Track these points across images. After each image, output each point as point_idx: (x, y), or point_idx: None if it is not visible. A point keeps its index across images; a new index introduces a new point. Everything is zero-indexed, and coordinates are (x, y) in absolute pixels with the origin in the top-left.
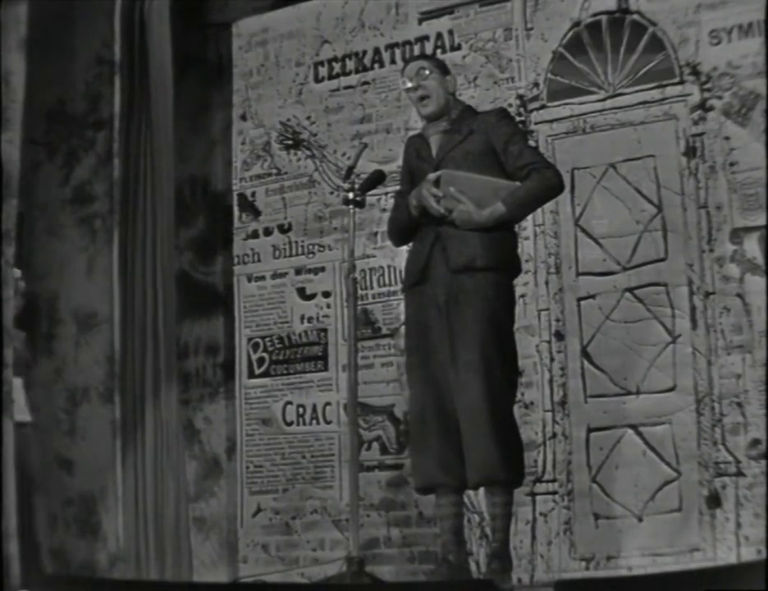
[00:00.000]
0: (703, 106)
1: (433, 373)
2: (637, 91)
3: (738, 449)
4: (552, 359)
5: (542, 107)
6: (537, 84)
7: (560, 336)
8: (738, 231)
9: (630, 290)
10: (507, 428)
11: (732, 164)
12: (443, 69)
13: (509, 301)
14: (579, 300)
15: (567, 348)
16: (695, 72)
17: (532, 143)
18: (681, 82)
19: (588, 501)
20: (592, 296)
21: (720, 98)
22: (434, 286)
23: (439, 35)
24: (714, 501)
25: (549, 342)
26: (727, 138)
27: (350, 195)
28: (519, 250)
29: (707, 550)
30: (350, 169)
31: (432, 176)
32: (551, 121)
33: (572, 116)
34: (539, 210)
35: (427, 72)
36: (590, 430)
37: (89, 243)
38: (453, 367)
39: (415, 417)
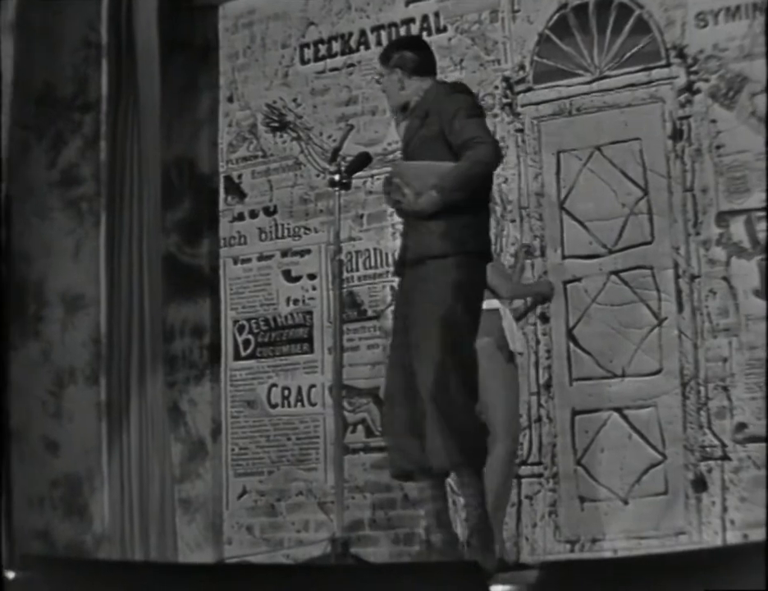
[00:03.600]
0: (690, 89)
1: (401, 358)
2: (623, 74)
3: (724, 433)
4: (538, 342)
5: (528, 89)
6: (523, 67)
7: (545, 318)
8: (724, 215)
9: (616, 273)
10: (459, 413)
11: (718, 147)
12: (390, 64)
13: (471, 287)
14: (565, 282)
15: (552, 331)
16: (681, 55)
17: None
18: (667, 65)
19: (573, 484)
20: (578, 279)
21: (706, 80)
22: (405, 275)
23: (425, 17)
24: (700, 484)
25: (534, 325)
26: (714, 121)
27: (336, 177)
28: (505, 233)
29: (693, 533)
30: (336, 151)
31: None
32: (537, 104)
33: (559, 98)
34: (524, 193)
35: (383, 76)
36: (575, 413)
37: (77, 225)
38: (415, 353)
39: (384, 402)
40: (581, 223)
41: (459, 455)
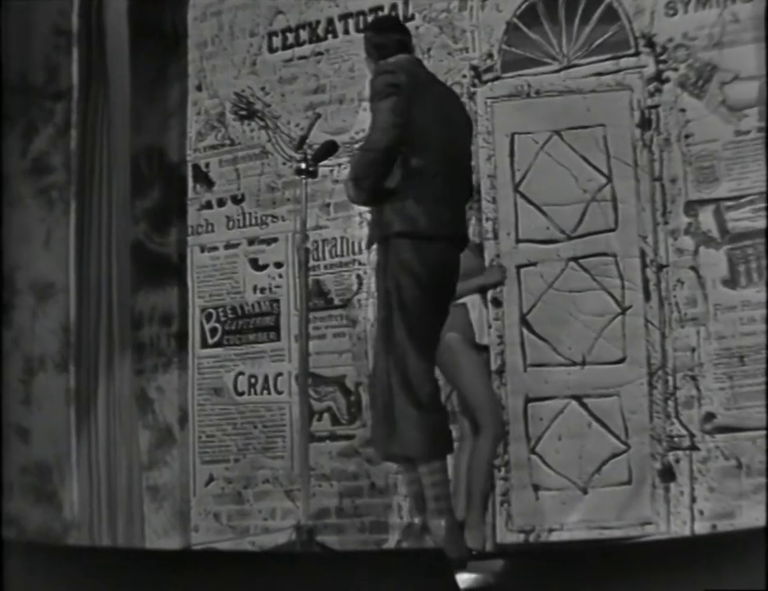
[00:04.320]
0: (659, 77)
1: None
2: (591, 62)
3: (692, 422)
4: (490, 327)
5: (496, 78)
6: (491, 55)
7: (497, 303)
8: (692, 204)
9: (575, 259)
10: (395, 400)
11: (687, 136)
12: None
13: (404, 269)
14: (519, 267)
15: (505, 316)
16: (650, 44)
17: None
18: (636, 54)
19: (527, 472)
20: (533, 264)
21: (675, 69)
22: None
23: (393, 6)
24: (667, 474)
25: (486, 310)
26: (682, 110)
27: (302, 166)
28: None
29: (660, 523)
30: (303, 139)
31: None
32: (491, 80)
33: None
34: (476, 175)
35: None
36: (528, 400)
37: (47, 214)
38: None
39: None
40: (537, 207)
41: (422, 443)
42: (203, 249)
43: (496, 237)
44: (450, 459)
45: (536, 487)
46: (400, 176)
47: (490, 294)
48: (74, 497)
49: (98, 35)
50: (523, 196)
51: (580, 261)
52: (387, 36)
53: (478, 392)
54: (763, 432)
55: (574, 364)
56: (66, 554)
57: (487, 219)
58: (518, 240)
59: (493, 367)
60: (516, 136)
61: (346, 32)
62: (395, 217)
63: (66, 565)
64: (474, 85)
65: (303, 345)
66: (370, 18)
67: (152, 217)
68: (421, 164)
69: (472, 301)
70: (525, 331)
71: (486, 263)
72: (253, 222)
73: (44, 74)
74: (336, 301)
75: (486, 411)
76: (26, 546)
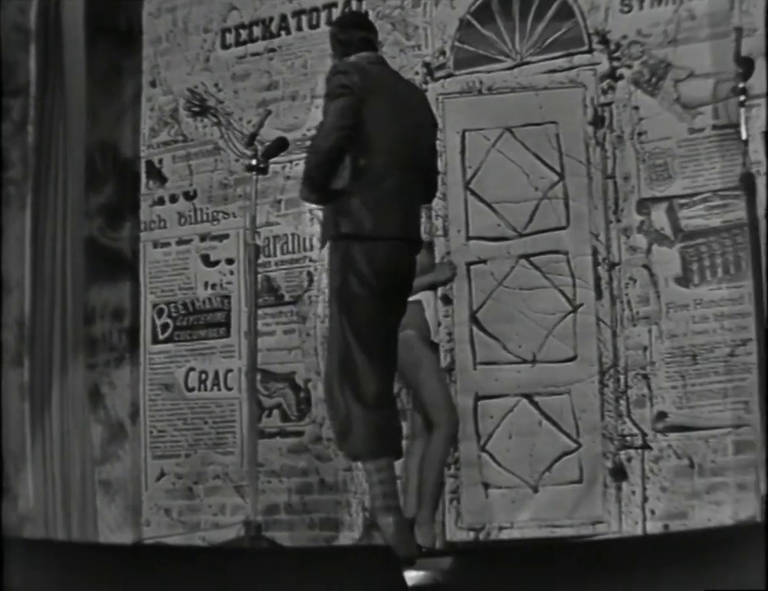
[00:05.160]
0: (612, 75)
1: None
2: (544, 59)
3: (643, 421)
4: (439, 324)
5: (449, 75)
6: (443, 52)
7: (447, 300)
8: (645, 202)
9: (526, 256)
10: (341, 398)
11: (640, 134)
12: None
13: (364, 269)
14: (469, 264)
15: (455, 313)
16: (604, 41)
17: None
18: (590, 51)
19: (477, 470)
20: (484, 261)
21: (629, 67)
22: None
23: (347, 2)
24: (619, 473)
25: (435, 307)
26: (636, 107)
27: (253, 162)
28: None
29: (611, 522)
30: (253, 136)
31: None
32: (444, 77)
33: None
34: None
35: None
36: (478, 398)
37: (3, 209)
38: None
39: None
40: (488, 205)
41: (369, 441)
42: (155, 245)
43: (446, 234)
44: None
45: (486, 486)
46: (349, 177)
47: (440, 291)
48: (29, 490)
49: (56, 32)
50: (473, 193)
51: (531, 259)
52: (352, 33)
53: (434, 390)
54: (714, 431)
55: (525, 362)
56: (21, 547)
57: (437, 216)
58: (468, 238)
59: (443, 365)
60: (467, 133)
61: (299, 29)
62: (343, 217)
63: (20, 557)
64: (426, 82)
65: (251, 342)
66: (324, 15)
67: (105, 213)
68: (369, 165)
69: (427, 298)
70: (475, 328)
71: (437, 260)
72: (205, 218)
73: (2, 70)
74: (287, 298)
75: (442, 409)
76: None
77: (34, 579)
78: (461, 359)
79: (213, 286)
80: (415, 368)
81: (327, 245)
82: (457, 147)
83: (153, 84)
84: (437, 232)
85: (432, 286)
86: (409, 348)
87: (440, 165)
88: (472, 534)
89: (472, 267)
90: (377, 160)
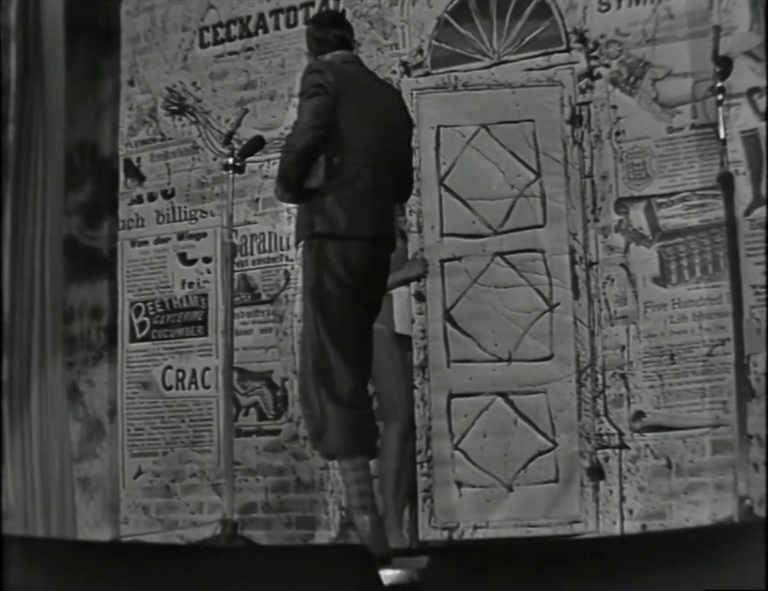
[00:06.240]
0: (590, 74)
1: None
2: (522, 58)
3: (621, 421)
4: (413, 322)
5: (426, 74)
6: (421, 51)
7: (420, 297)
8: (623, 201)
9: (501, 254)
10: (316, 397)
11: (618, 133)
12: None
13: (337, 268)
14: (443, 261)
15: (428, 310)
16: (582, 40)
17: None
18: (568, 50)
19: (450, 469)
20: (458, 258)
21: (607, 66)
22: None
23: (325, 0)
24: (596, 473)
25: (408, 303)
26: (614, 107)
27: (230, 161)
28: None
29: (589, 522)
30: (230, 134)
31: None
32: (421, 76)
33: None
34: None
35: None
36: (452, 396)
37: None
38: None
39: None
40: (463, 201)
41: (343, 439)
42: (133, 244)
43: (420, 230)
44: None
45: (459, 484)
46: (323, 176)
47: (413, 287)
48: (8, 487)
49: (35, 30)
50: (448, 190)
51: (506, 256)
52: (327, 31)
53: (390, 384)
54: (692, 431)
55: (500, 360)
56: (2, 544)
57: (411, 212)
58: (442, 234)
59: (416, 362)
60: (442, 129)
61: (277, 27)
62: (317, 216)
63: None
64: (400, 77)
65: (228, 341)
66: (301, 14)
67: (84, 212)
68: (343, 164)
69: (399, 292)
70: (449, 326)
71: (410, 256)
72: (183, 216)
73: None
74: (264, 296)
75: (397, 405)
76: None
77: (13, 573)
78: (435, 356)
79: (191, 284)
80: (376, 361)
81: (301, 243)
82: (431, 143)
83: (131, 82)
84: (411, 228)
85: (404, 283)
86: (376, 342)
87: (414, 160)
88: (446, 533)
89: (446, 264)
90: (351, 159)
